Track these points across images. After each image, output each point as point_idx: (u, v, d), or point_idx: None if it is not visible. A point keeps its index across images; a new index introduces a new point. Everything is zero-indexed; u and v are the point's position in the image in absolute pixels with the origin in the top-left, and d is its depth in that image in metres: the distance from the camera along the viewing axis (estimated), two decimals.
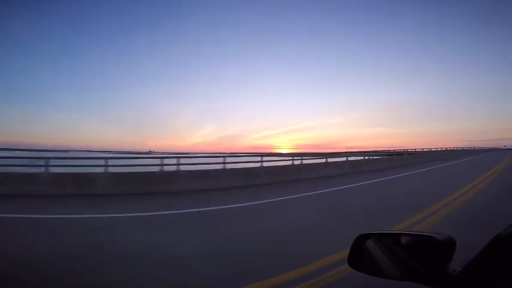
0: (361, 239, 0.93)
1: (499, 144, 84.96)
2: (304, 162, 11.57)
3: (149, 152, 42.38)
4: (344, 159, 13.45)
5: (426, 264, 0.75)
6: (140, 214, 5.29)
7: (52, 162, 7.82)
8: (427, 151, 23.99)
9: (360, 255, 0.91)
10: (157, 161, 8.51)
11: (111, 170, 7.99)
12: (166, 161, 8.62)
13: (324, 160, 12.37)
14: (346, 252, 0.91)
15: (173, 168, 8.50)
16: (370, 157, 16.03)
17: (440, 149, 26.59)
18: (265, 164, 10.14)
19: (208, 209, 5.78)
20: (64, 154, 14.81)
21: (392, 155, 18.92)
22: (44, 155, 10.06)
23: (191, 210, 5.61)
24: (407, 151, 21.54)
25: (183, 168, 8.55)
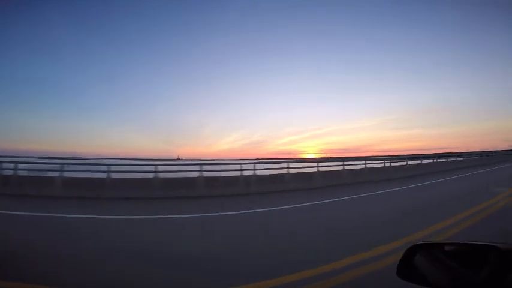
0: (412, 250, 0.91)
1: None
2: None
3: (177, 159, 43.49)
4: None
5: (484, 275, 0.74)
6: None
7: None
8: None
9: (410, 266, 0.90)
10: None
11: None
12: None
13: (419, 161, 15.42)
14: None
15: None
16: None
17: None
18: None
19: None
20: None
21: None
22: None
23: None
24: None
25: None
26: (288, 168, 9.83)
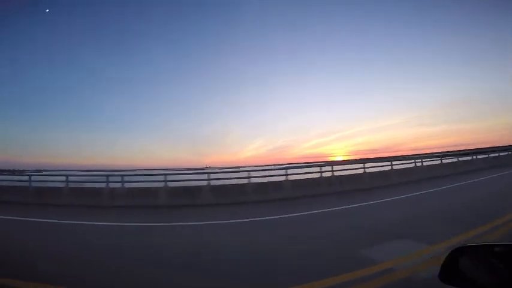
0: (455, 253, 0.87)
1: None
2: None
3: (205, 168, 44.97)
4: None
5: None
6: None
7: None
8: None
9: (453, 270, 0.85)
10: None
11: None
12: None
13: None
14: None
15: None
16: None
17: None
18: None
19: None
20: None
21: None
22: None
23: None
24: None
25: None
26: (332, 170, 9.53)
